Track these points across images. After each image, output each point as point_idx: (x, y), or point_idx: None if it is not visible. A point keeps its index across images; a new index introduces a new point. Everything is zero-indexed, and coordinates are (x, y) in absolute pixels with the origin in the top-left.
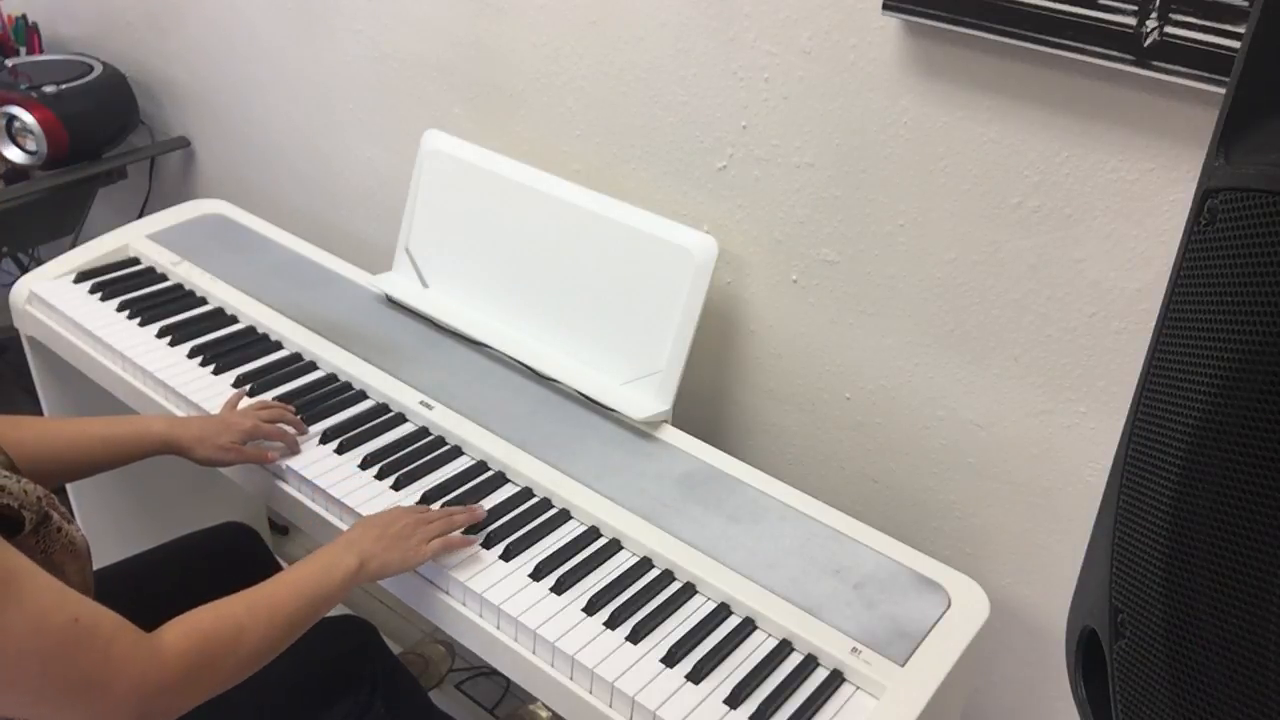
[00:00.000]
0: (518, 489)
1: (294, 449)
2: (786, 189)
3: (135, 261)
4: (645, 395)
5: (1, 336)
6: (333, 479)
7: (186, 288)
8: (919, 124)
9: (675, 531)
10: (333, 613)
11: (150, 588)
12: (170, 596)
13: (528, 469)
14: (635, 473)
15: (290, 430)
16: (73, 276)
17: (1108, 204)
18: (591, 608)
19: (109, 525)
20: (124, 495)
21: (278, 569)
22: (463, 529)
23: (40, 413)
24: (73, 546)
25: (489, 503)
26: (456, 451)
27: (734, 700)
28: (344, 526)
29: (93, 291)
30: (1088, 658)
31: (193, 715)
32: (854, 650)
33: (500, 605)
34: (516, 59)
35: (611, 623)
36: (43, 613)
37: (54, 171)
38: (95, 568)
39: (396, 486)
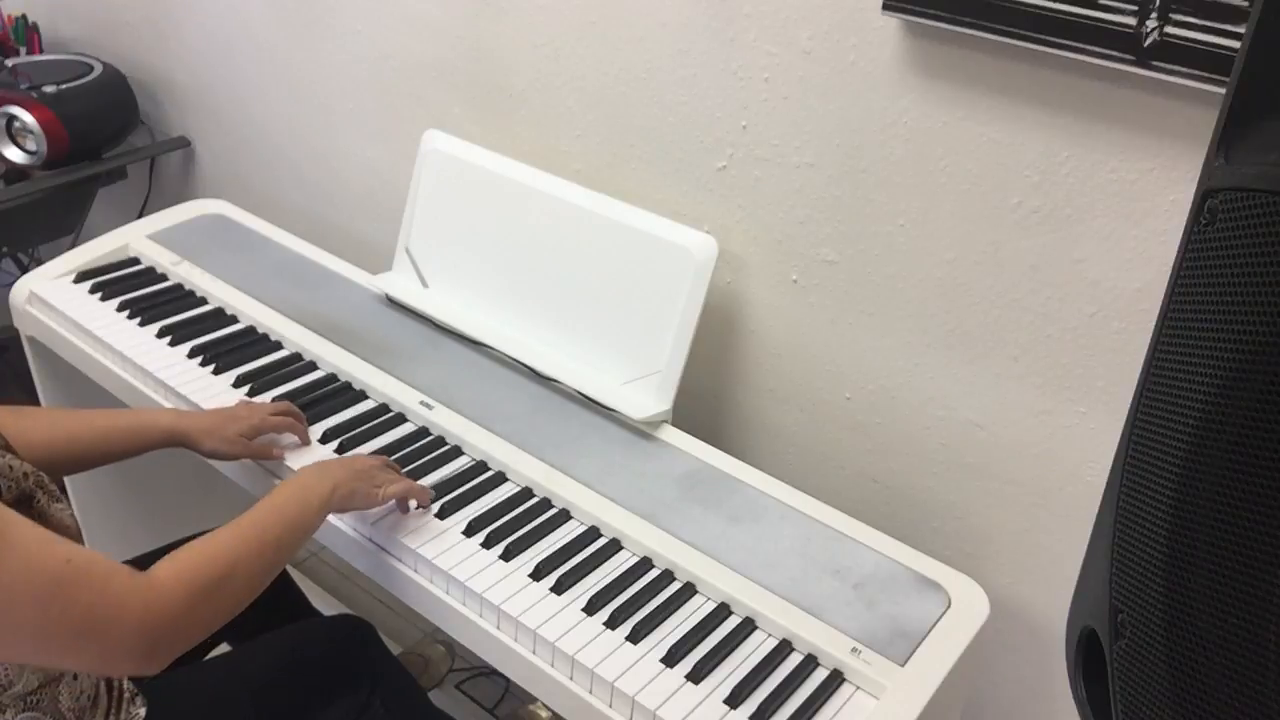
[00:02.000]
0: (518, 489)
1: (305, 440)
2: (786, 189)
3: (135, 261)
4: (645, 395)
5: (1, 336)
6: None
7: (186, 288)
8: (919, 124)
9: (675, 531)
10: (332, 612)
11: None
12: None
13: (528, 469)
14: (635, 473)
15: (299, 426)
16: (73, 276)
17: (1108, 204)
18: (591, 608)
19: (109, 525)
20: (124, 495)
21: (286, 576)
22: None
23: None
24: (64, 525)
25: (489, 502)
26: (456, 451)
27: (734, 700)
28: (344, 526)
29: (93, 291)
30: (1088, 658)
31: (193, 713)
32: (854, 650)
33: (500, 605)
34: (516, 59)
35: (611, 623)
36: (32, 555)
37: (54, 171)
38: None
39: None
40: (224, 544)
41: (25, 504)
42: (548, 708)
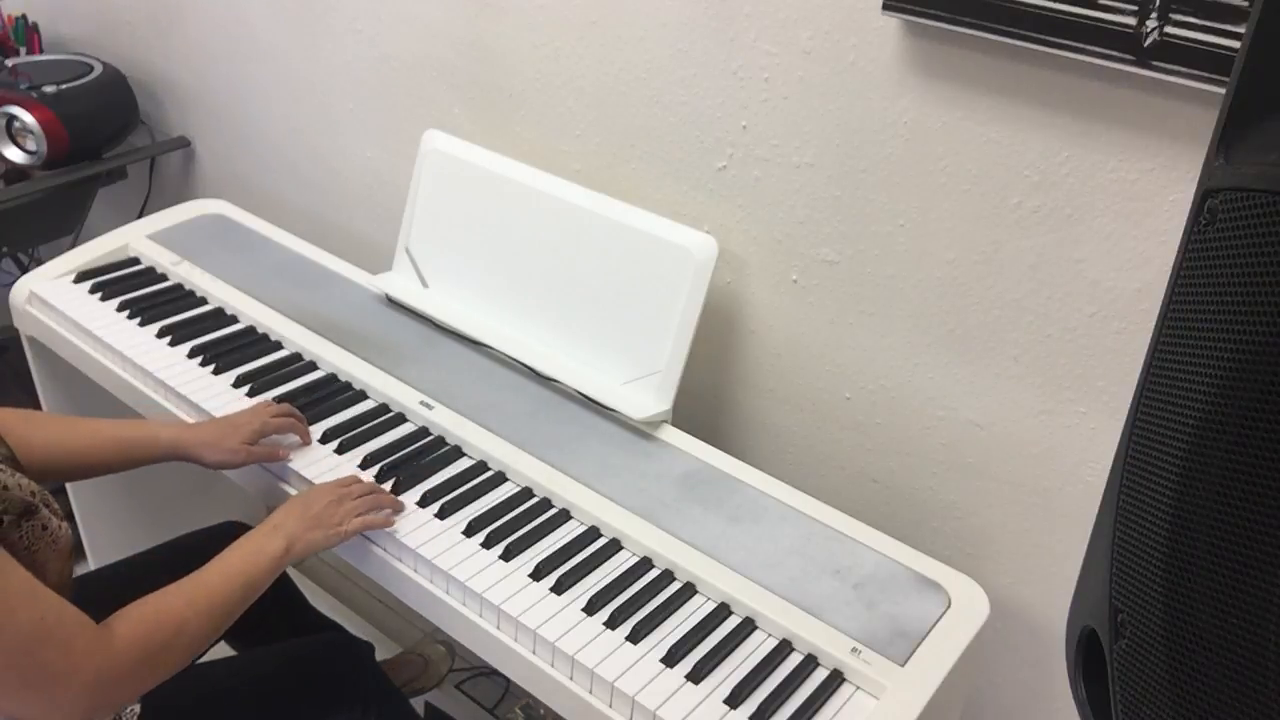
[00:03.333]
0: (518, 489)
1: (305, 438)
2: (786, 189)
3: (135, 261)
4: (645, 395)
5: (1, 336)
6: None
7: (186, 288)
8: (919, 124)
9: (675, 531)
10: (331, 612)
11: (149, 587)
12: None
13: (528, 469)
14: (635, 473)
15: (300, 425)
16: (73, 276)
17: (1108, 204)
18: (591, 608)
19: (108, 525)
20: (123, 495)
21: (285, 576)
22: (386, 507)
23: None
24: (56, 545)
25: (489, 502)
26: (456, 452)
27: (734, 700)
28: None
29: (93, 291)
30: (1088, 658)
31: None
32: (854, 650)
33: (500, 605)
34: (516, 59)
35: (611, 623)
36: (12, 609)
37: (54, 171)
38: (94, 567)
39: (396, 488)
40: (174, 609)
41: (19, 521)
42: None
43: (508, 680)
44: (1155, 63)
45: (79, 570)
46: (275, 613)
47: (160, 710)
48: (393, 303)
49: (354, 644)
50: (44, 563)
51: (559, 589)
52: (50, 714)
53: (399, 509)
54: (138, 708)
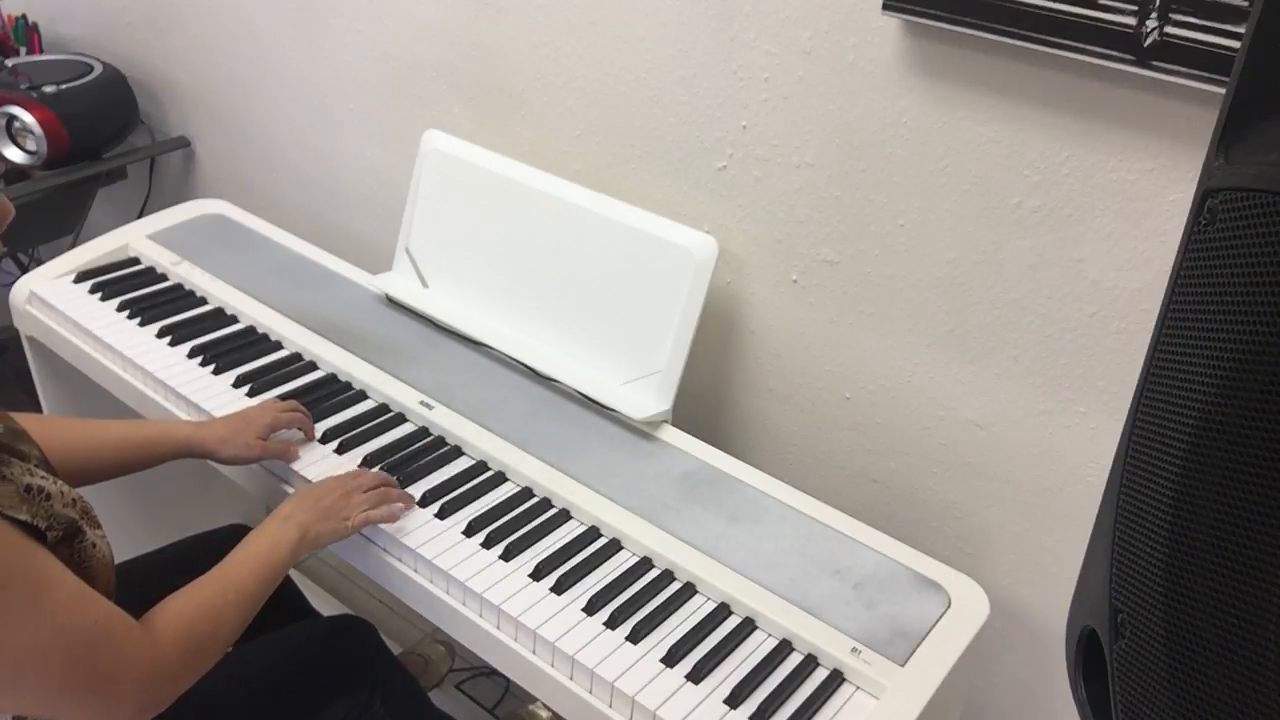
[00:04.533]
0: (518, 489)
1: (310, 434)
2: (786, 189)
3: (135, 261)
4: (645, 395)
5: (1, 336)
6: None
7: (186, 288)
8: (919, 124)
9: (675, 531)
10: (332, 612)
11: (155, 589)
12: None
13: (528, 469)
14: (635, 473)
15: (306, 420)
16: (73, 276)
17: (1108, 204)
18: (591, 608)
19: (110, 526)
20: (124, 496)
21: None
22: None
23: (40, 413)
24: (104, 560)
25: (489, 502)
26: (456, 451)
27: (734, 700)
28: None
29: (93, 291)
30: (1088, 658)
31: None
32: (854, 650)
33: (500, 605)
34: (516, 59)
35: (611, 623)
36: (69, 615)
37: (54, 171)
38: None
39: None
40: (210, 602)
41: (70, 540)
42: (548, 708)
43: (508, 680)
44: (1155, 63)
45: None
46: (277, 613)
47: (167, 711)
48: (393, 303)
49: (355, 626)
50: (94, 576)
51: (559, 589)
52: (107, 713)
53: (408, 502)
54: None
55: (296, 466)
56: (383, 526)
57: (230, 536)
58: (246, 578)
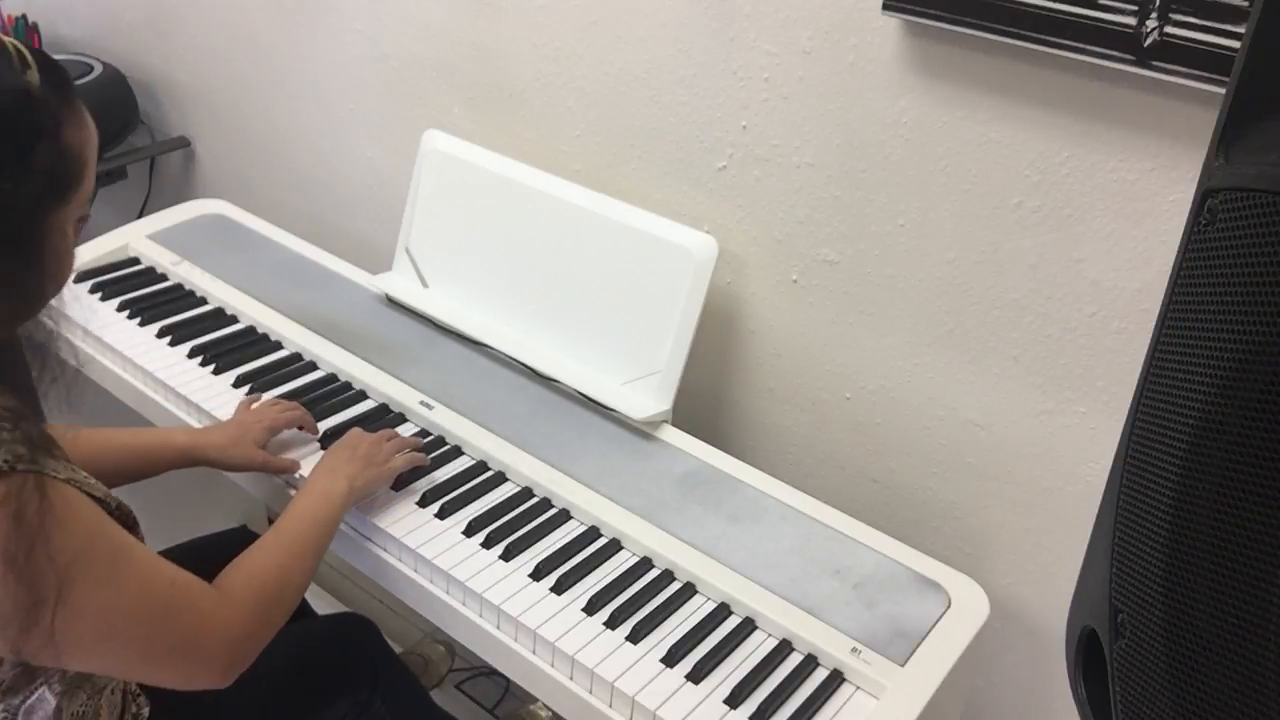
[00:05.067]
0: (518, 489)
1: (313, 431)
2: (786, 189)
3: (135, 261)
4: (645, 395)
5: None
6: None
7: (186, 288)
8: (919, 124)
9: (675, 531)
10: (333, 610)
11: None
12: None
13: (528, 469)
14: (635, 473)
15: (305, 419)
16: (72, 276)
17: (1108, 204)
18: (591, 608)
19: None
20: (128, 500)
21: None
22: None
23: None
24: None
25: (489, 502)
26: (456, 451)
27: (734, 700)
28: (344, 526)
29: (93, 291)
30: (1088, 658)
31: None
32: (854, 650)
33: (500, 605)
34: (516, 59)
35: (611, 623)
36: (149, 576)
37: None
38: None
39: (396, 487)
40: (277, 557)
41: (129, 526)
42: (548, 708)
43: (508, 680)
44: (1155, 63)
45: None
46: None
47: (169, 708)
48: (393, 303)
49: (356, 624)
50: None
51: (559, 589)
52: (194, 675)
53: (421, 459)
54: (146, 710)
55: (300, 473)
56: (383, 527)
57: (235, 540)
58: (305, 532)
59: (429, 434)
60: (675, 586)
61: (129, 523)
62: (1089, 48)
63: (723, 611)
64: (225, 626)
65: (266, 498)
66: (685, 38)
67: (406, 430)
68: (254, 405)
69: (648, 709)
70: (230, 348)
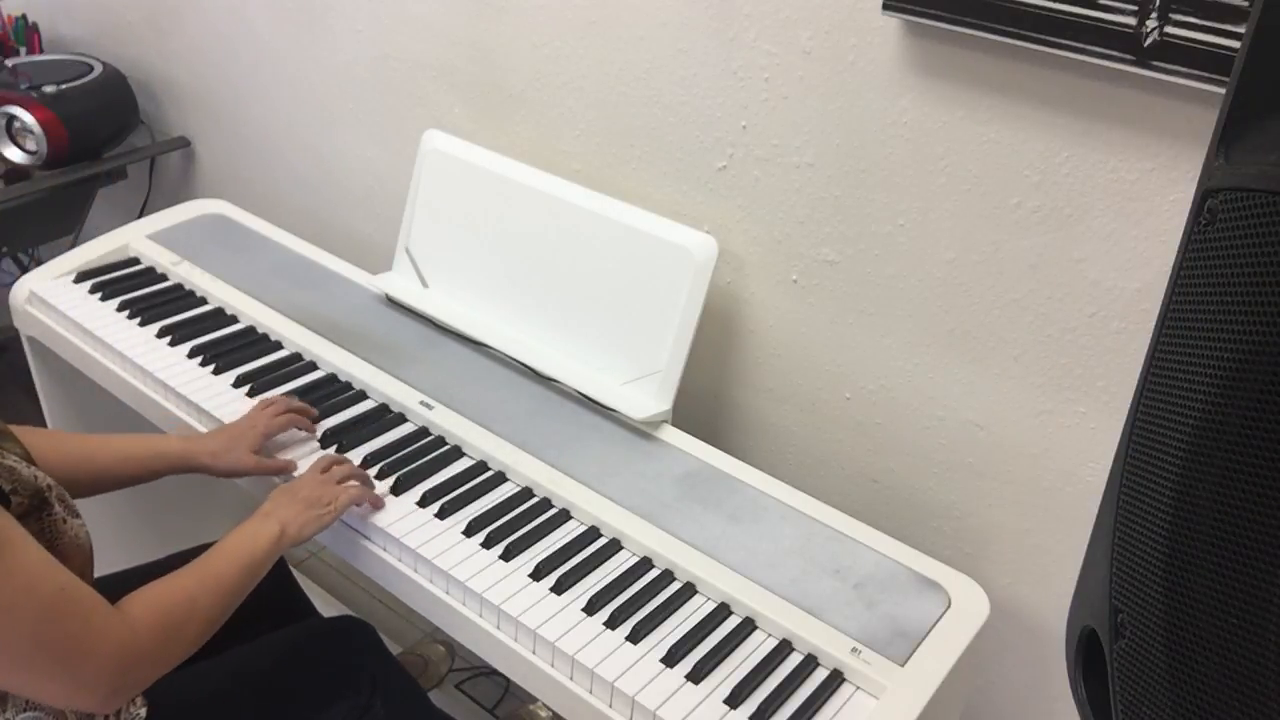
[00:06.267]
0: (518, 489)
1: (311, 430)
2: (786, 189)
3: (135, 261)
4: (645, 395)
5: (1, 336)
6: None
7: (186, 288)
8: (919, 124)
9: (675, 531)
10: (332, 612)
11: None
12: None
13: (528, 469)
14: (635, 473)
15: (301, 419)
16: (73, 276)
17: (1108, 204)
18: (591, 608)
19: (111, 533)
20: (127, 506)
21: (288, 577)
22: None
23: (40, 414)
24: (78, 542)
25: (489, 502)
26: (456, 451)
27: (734, 700)
28: (344, 526)
29: (93, 291)
30: (1088, 658)
31: (193, 713)
32: (854, 650)
33: (500, 605)
34: (516, 59)
35: (611, 623)
36: (33, 577)
37: (54, 171)
38: (99, 575)
39: (396, 487)
40: (189, 588)
41: (38, 512)
42: (548, 708)
43: (508, 680)
44: (1155, 63)
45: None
46: (277, 613)
47: (167, 710)
48: (393, 303)
49: (354, 627)
50: (68, 558)
51: (559, 589)
52: (75, 692)
53: (376, 505)
54: (144, 711)
55: (297, 471)
56: (384, 526)
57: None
58: (224, 570)
59: (429, 434)
60: (675, 586)
61: (39, 502)
62: (1089, 48)
63: (723, 611)
64: (115, 645)
65: (264, 498)
66: (685, 38)
67: (406, 430)
68: (254, 408)
69: (648, 709)
70: (230, 348)
